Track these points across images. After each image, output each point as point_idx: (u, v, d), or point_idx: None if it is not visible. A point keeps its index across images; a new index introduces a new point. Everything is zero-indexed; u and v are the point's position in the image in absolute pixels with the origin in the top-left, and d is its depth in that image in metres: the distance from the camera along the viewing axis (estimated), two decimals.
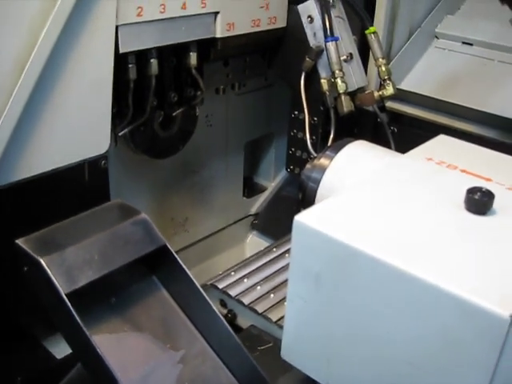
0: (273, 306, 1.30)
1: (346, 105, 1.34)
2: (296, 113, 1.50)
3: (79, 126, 1.09)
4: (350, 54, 1.42)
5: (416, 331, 0.77)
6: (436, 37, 1.82)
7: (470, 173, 1.00)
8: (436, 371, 0.77)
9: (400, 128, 1.74)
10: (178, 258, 1.05)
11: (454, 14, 1.84)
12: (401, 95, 1.64)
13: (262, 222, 1.85)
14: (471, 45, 1.76)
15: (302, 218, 0.85)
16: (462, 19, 1.82)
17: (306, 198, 1.19)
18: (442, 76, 1.71)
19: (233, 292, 1.32)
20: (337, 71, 1.32)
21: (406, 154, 1.09)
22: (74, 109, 1.07)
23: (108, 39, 1.08)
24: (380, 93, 1.39)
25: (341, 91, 1.33)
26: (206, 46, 1.29)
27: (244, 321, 1.31)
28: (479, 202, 0.85)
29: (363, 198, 0.91)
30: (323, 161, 1.18)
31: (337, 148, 1.20)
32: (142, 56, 1.20)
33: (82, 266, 0.97)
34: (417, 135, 1.68)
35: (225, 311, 1.33)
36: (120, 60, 1.14)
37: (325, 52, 1.35)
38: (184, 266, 1.05)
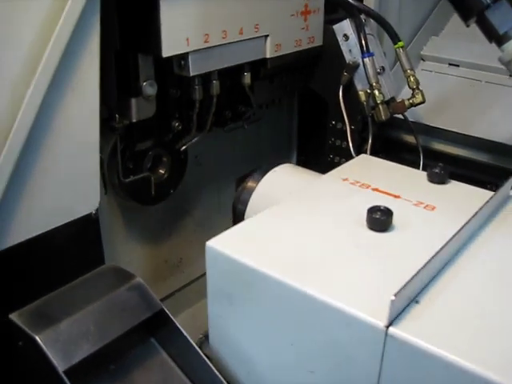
0: None
1: (384, 113, 1.48)
2: (333, 122, 1.63)
3: (68, 189, 1.07)
4: (382, 67, 1.55)
5: (313, 343, 0.84)
6: (422, 59, 1.81)
7: (381, 191, 1.07)
8: (334, 381, 0.83)
9: (389, 154, 1.73)
10: (175, 321, 1.04)
11: (438, 35, 1.83)
12: (391, 121, 1.64)
13: None
14: (458, 66, 1.75)
15: (213, 243, 0.94)
16: (447, 40, 1.81)
17: (236, 220, 1.23)
18: (431, 99, 1.70)
19: None
20: (374, 83, 1.46)
21: (323, 176, 1.16)
22: (61, 171, 1.04)
23: (93, 99, 1.06)
24: (410, 101, 1.51)
25: (378, 101, 1.47)
26: (256, 66, 1.40)
27: None
28: (378, 220, 0.93)
29: (273, 221, 0.99)
30: (251, 183, 1.23)
31: (263, 171, 1.25)
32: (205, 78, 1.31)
33: (79, 340, 0.96)
34: (408, 161, 1.68)
35: None
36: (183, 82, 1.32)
37: (360, 66, 1.49)
38: (181, 328, 1.03)
